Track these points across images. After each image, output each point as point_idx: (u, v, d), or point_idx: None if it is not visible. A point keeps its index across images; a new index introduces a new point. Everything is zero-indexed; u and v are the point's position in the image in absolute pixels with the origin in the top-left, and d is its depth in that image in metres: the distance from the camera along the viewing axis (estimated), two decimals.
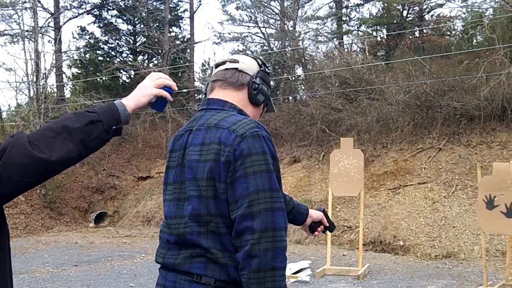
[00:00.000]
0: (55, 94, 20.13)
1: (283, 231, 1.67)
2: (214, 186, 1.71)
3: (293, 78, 18.53)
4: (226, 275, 1.71)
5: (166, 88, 1.73)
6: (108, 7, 21.86)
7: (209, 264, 1.72)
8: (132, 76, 21.66)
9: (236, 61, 1.92)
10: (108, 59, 22.22)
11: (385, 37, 20.26)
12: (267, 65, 1.99)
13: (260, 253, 1.62)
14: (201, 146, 1.76)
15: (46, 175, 1.46)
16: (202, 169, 1.73)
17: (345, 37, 20.78)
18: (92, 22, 22.29)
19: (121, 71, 21.13)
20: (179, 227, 1.79)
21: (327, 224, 2.39)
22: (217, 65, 1.97)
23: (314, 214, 2.36)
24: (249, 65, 1.92)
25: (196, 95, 19.53)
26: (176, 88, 1.77)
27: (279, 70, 18.81)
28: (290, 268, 7.90)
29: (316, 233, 2.38)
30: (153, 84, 1.71)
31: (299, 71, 18.79)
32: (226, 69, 1.92)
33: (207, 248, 1.72)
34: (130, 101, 1.65)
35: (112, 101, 1.66)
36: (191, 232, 1.75)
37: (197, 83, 20.19)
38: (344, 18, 21.15)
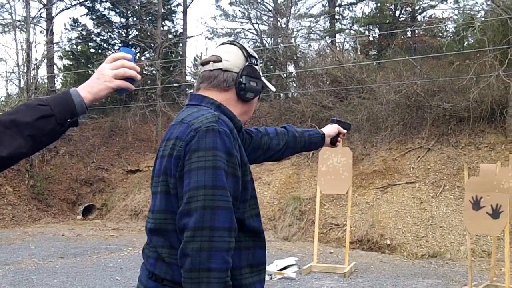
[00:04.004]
0: (46, 85, 19.96)
1: (224, 232, 1.56)
2: (166, 181, 1.68)
3: (285, 75, 18.54)
4: (170, 275, 1.67)
5: (128, 79, 1.55)
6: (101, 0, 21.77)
7: (158, 262, 1.70)
8: None
9: (219, 60, 1.83)
10: (100, 51, 22.13)
11: (377, 36, 20.31)
12: (253, 55, 1.90)
13: (192, 252, 1.53)
14: (166, 142, 1.74)
15: None
16: (161, 165, 1.72)
17: (337, 36, 20.81)
18: (84, 14, 22.17)
19: None
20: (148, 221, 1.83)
21: (344, 131, 2.51)
22: (202, 64, 1.88)
23: (331, 130, 2.46)
24: (234, 62, 1.84)
25: (187, 89, 19.49)
26: (139, 77, 1.59)
27: (271, 66, 18.81)
28: (277, 265, 7.92)
29: (338, 143, 2.51)
30: (113, 74, 1.53)
31: (291, 68, 18.83)
32: (211, 70, 1.84)
33: (155, 246, 1.72)
34: (88, 94, 1.50)
35: (68, 89, 1.54)
36: (148, 228, 1.77)
37: (188, 78, 20.19)
38: (337, 17, 21.18)
